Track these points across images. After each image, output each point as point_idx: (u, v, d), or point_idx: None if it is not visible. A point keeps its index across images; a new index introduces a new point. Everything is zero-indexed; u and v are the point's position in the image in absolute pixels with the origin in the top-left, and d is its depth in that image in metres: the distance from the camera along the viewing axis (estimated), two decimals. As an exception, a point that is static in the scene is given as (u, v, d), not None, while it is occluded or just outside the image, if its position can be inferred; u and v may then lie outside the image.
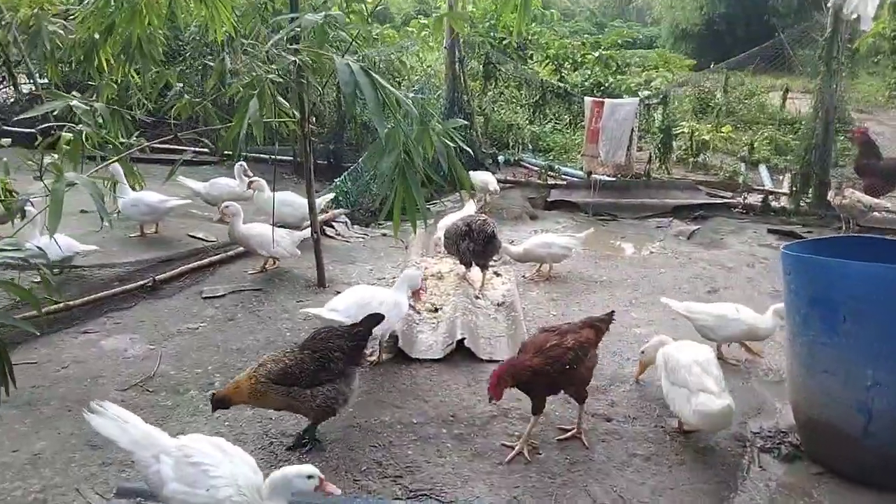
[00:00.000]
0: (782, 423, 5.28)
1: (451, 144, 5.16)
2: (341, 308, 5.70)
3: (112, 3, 6.33)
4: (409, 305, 6.46)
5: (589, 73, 17.29)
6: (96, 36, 6.85)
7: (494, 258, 8.04)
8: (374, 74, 4.73)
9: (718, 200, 11.70)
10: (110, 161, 5.91)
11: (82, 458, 4.81)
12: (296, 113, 7.58)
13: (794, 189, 11.20)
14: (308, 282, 8.03)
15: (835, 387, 4.56)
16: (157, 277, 7.64)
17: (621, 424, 5.27)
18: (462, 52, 13.54)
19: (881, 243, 5.36)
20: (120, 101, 7.21)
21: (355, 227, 10.58)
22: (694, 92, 14.67)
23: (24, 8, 7.69)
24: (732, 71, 15.72)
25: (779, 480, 4.67)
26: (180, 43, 14.23)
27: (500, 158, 13.54)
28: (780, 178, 13.19)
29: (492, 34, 16.70)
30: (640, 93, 14.18)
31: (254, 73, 6.28)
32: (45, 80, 11.20)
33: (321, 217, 9.05)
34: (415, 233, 6.26)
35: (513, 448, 4.87)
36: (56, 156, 5.04)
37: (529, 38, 18.80)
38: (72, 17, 7.53)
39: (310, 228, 8.54)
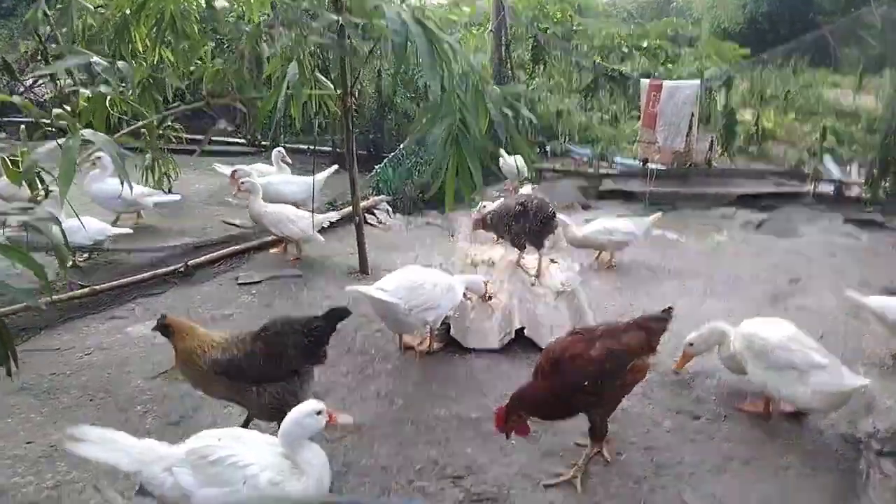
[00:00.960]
0: (900, 423, 4.55)
1: (510, 113, 4.58)
2: (390, 288, 5.12)
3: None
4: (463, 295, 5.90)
5: (637, 62, 16.51)
6: (128, 12, 6.43)
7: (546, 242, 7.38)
8: (427, 24, 4.17)
9: (787, 189, 10.87)
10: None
11: (102, 451, 4.28)
12: (336, 90, 7.05)
13: (872, 178, 10.34)
14: (350, 268, 7.48)
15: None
16: (189, 262, 7.14)
17: (711, 423, 4.59)
18: (508, 37, 12.90)
19: None
20: (155, 86, 6.84)
21: (397, 215, 10.01)
22: (753, 78, 13.74)
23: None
24: (781, 65, 14.78)
25: (907, 490, 3.95)
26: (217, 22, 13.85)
27: (548, 148, 12.86)
28: (847, 168, 12.34)
29: (535, 25, 16.05)
30: (701, 70, 13.23)
31: (293, 37, 5.77)
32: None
33: (362, 203, 8.51)
34: (471, 202, 5.65)
35: (574, 465, 4.09)
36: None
37: (575, 27, 18.10)
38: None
39: (333, 213, 8.20)
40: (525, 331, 5.64)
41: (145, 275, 6.86)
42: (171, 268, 7.04)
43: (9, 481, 3.99)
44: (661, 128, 11.00)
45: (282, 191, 8.58)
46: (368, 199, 9.63)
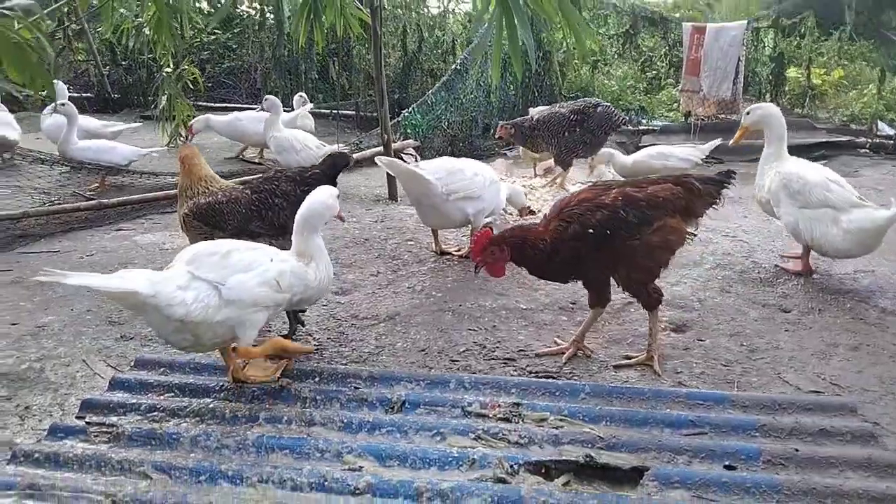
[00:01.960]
0: None
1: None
2: (430, 168, 4.53)
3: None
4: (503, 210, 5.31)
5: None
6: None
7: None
8: None
9: (843, 139, 10.10)
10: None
11: (97, 332, 3.72)
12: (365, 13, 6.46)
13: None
14: (378, 196, 6.92)
15: None
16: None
17: (804, 315, 3.91)
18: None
19: None
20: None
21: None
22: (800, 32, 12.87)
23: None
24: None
25: None
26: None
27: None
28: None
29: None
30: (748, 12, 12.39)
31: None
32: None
33: (394, 146, 7.95)
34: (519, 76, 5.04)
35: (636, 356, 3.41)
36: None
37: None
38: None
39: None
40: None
41: (158, 194, 6.30)
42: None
43: (-14, 355, 3.43)
44: (705, 74, 10.29)
45: (247, 129, 8.17)
46: (396, 143, 9.04)
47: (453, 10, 14.22)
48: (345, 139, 9.69)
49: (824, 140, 10.07)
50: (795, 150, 9.82)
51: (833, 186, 4.25)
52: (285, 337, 3.41)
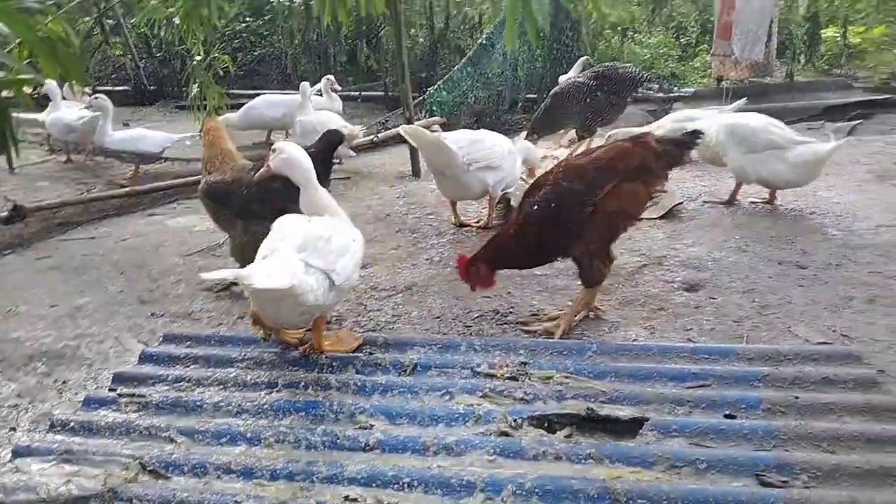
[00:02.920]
0: None
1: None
2: (453, 138, 4.63)
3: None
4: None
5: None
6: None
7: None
8: None
9: (881, 97, 9.82)
10: None
11: (129, 311, 3.91)
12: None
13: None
14: (401, 173, 6.99)
15: None
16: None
17: (821, 270, 3.89)
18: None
19: None
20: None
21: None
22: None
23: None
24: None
25: None
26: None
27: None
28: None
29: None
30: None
31: None
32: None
33: (417, 124, 8.02)
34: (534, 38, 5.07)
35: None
36: None
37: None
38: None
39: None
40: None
41: (188, 179, 6.49)
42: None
43: (27, 334, 3.65)
44: (737, 37, 10.06)
45: (264, 115, 8.36)
46: (421, 120, 9.10)
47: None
48: (373, 119, 9.80)
49: (861, 99, 9.80)
50: (829, 111, 9.72)
51: (774, 129, 4.79)
52: None
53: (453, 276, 4.11)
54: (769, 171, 4.76)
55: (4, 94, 3.26)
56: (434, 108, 9.58)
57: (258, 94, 9.77)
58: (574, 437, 2.49)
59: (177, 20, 8.17)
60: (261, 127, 8.68)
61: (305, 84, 7.46)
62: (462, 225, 5.03)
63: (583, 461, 2.33)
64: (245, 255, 3.63)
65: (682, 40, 13.67)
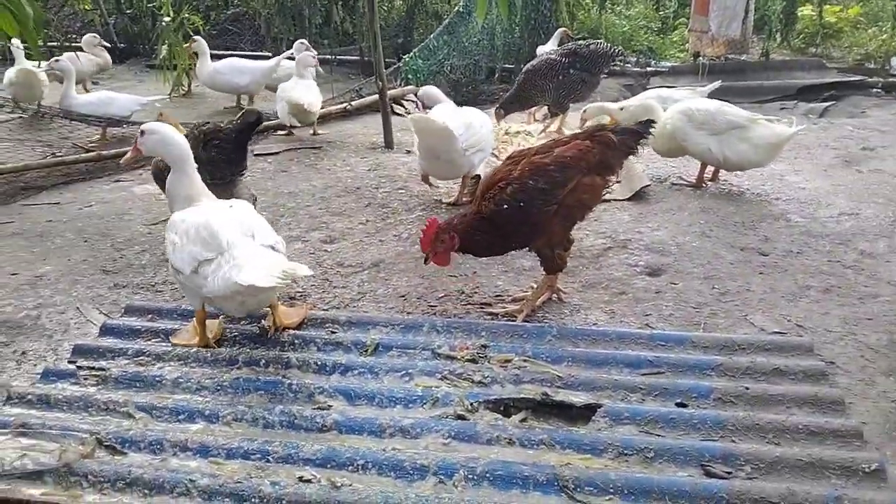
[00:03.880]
0: None
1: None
2: (453, 124, 4.52)
3: None
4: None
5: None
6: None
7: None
8: None
9: (853, 78, 9.90)
10: None
11: (91, 281, 3.87)
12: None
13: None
14: (374, 144, 6.91)
15: None
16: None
17: (782, 258, 3.96)
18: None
19: None
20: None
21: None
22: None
23: None
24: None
25: None
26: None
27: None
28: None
29: None
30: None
31: None
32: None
33: (391, 93, 7.92)
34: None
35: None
36: None
37: None
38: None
39: None
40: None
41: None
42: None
43: (-14, 303, 3.60)
44: (714, 13, 10.08)
45: (229, 81, 8.21)
46: (395, 89, 9.00)
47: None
48: (349, 85, 9.65)
49: (834, 80, 9.87)
50: (803, 91, 9.79)
51: (728, 109, 4.96)
52: None
53: (420, 255, 4.12)
54: (732, 150, 4.85)
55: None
56: (409, 76, 9.49)
57: (230, 56, 9.61)
58: (528, 423, 2.53)
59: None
60: (227, 91, 8.52)
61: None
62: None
63: (535, 447, 2.38)
64: None
65: (660, 13, 13.63)
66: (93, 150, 6.32)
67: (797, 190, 5.11)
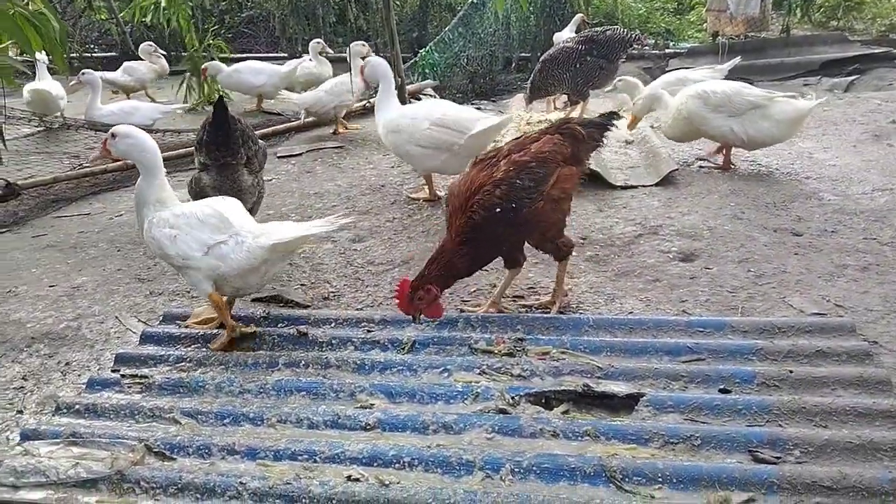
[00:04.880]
0: None
1: None
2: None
3: None
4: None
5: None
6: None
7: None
8: None
9: (878, 50, 9.72)
10: None
11: (127, 290, 3.93)
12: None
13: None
14: (396, 140, 6.91)
15: None
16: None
17: (816, 238, 3.91)
18: None
19: None
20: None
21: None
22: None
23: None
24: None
25: None
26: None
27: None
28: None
29: None
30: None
31: None
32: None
33: (409, 88, 7.92)
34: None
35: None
36: None
37: None
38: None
39: None
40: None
41: (181, 150, 6.45)
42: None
43: (29, 315, 3.68)
44: (732, -9, 9.94)
45: (246, 81, 8.29)
46: (412, 84, 8.99)
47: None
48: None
49: (858, 53, 9.70)
50: (826, 66, 9.63)
51: (746, 90, 4.94)
52: None
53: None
54: (755, 129, 4.83)
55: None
56: (426, 70, 9.48)
57: (247, 58, 9.66)
58: (571, 414, 2.54)
59: (163, 2, 8.11)
60: (243, 91, 8.64)
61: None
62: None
63: (579, 438, 2.38)
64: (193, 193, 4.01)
65: (678, -7, 13.46)
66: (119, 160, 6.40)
67: (827, 167, 5.04)
